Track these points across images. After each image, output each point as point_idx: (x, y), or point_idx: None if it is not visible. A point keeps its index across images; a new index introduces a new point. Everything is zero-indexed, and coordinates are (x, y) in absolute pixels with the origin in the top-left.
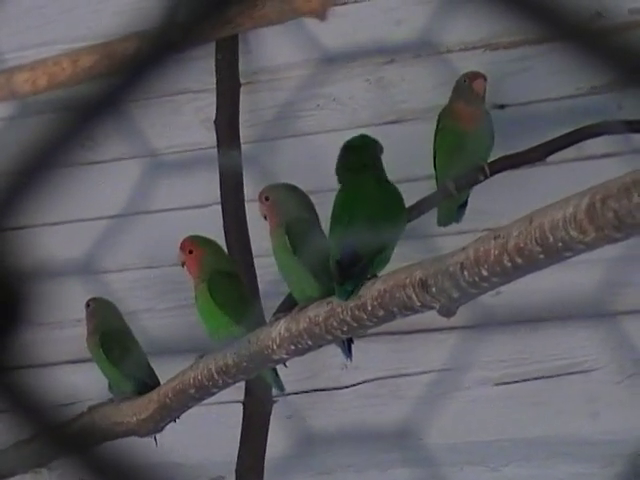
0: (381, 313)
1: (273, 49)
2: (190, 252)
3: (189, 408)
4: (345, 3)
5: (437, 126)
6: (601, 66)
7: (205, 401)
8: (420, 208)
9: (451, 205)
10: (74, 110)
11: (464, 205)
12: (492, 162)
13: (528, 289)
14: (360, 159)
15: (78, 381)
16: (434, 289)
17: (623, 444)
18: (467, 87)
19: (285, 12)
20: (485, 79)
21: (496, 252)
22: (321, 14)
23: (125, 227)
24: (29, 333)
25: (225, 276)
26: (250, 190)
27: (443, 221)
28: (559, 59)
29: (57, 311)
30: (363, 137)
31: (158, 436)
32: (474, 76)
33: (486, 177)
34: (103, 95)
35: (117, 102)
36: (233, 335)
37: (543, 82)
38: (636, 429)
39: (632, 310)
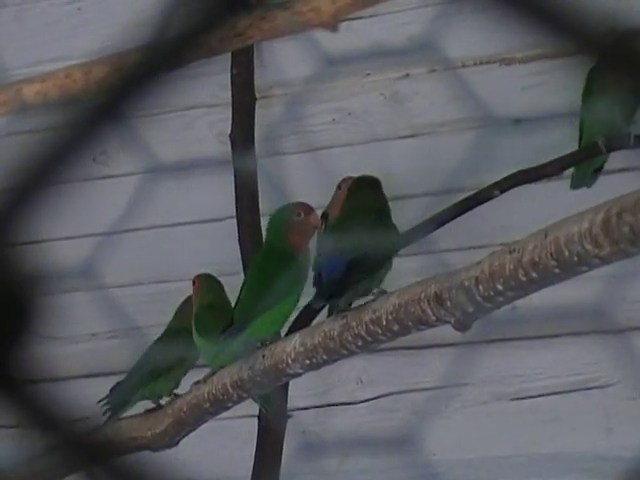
0: (396, 327)
1: (288, 63)
2: (194, 284)
3: (204, 422)
4: (360, 17)
5: (586, 85)
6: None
7: (220, 415)
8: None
9: (588, 167)
10: (76, 124)
11: (599, 170)
12: (507, 177)
13: (545, 304)
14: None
15: (92, 395)
16: (449, 303)
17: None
18: None
19: (296, 24)
20: None
21: (511, 266)
22: (332, 26)
23: (138, 241)
24: (43, 347)
25: (210, 308)
26: (265, 204)
27: (576, 184)
28: (573, 73)
29: (70, 325)
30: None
31: (172, 451)
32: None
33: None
34: (104, 109)
35: (118, 116)
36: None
37: (558, 96)
38: None
39: None
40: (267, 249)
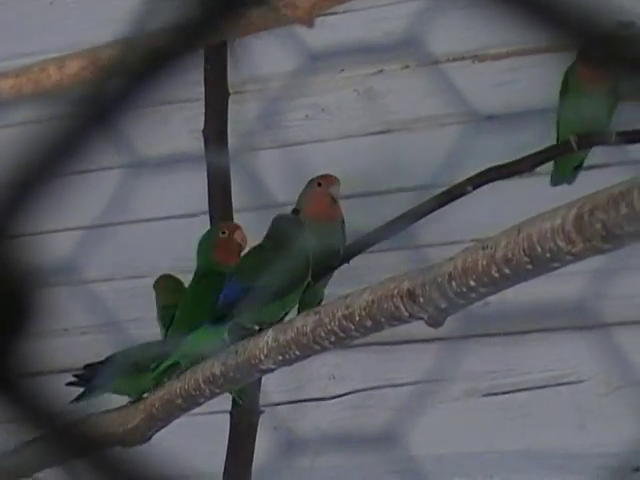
0: (369, 323)
1: (262, 59)
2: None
3: (176, 418)
4: (335, 13)
5: (563, 83)
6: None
7: (192, 411)
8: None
9: (568, 164)
10: (82, 113)
11: (579, 166)
12: (480, 173)
13: (516, 300)
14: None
15: (67, 391)
16: (422, 299)
17: (610, 457)
18: None
19: (272, 20)
20: None
21: (484, 262)
22: (308, 22)
23: (114, 236)
24: (29, 342)
25: (172, 309)
26: (238, 200)
27: (556, 180)
28: (546, 70)
29: (45, 321)
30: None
31: (145, 447)
32: None
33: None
34: (114, 98)
35: (128, 105)
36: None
37: (531, 93)
38: (623, 442)
39: (620, 322)
40: (198, 270)
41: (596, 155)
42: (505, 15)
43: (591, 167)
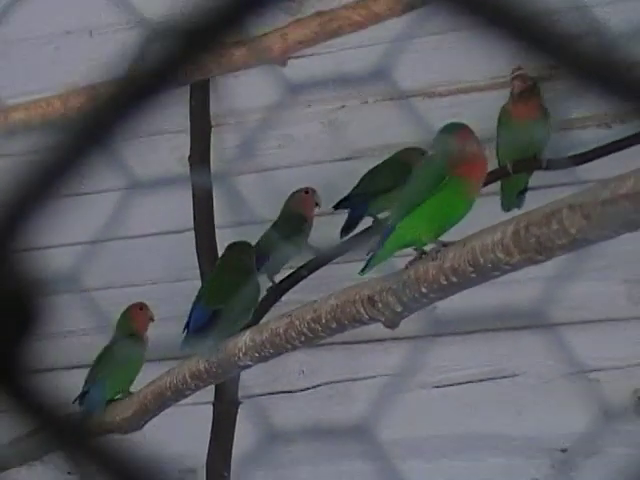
0: (334, 325)
1: (241, 95)
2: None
3: (166, 408)
4: (302, 56)
5: (499, 117)
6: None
7: (180, 402)
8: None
9: (512, 190)
10: (71, 143)
11: (524, 192)
12: None
13: (462, 304)
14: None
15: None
16: (380, 304)
17: (542, 440)
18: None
19: (250, 60)
20: (524, 80)
21: (434, 272)
22: (281, 61)
23: (110, 250)
24: (38, 343)
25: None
26: (219, 218)
27: (507, 206)
28: (488, 106)
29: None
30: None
31: (139, 433)
32: (515, 78)
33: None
34: (96, 129)
35: (110, 136)
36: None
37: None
38: (553, 426)
39: (553, 323)
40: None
41: (546, 177)
42: (485, 39)
43: (536, 188)
